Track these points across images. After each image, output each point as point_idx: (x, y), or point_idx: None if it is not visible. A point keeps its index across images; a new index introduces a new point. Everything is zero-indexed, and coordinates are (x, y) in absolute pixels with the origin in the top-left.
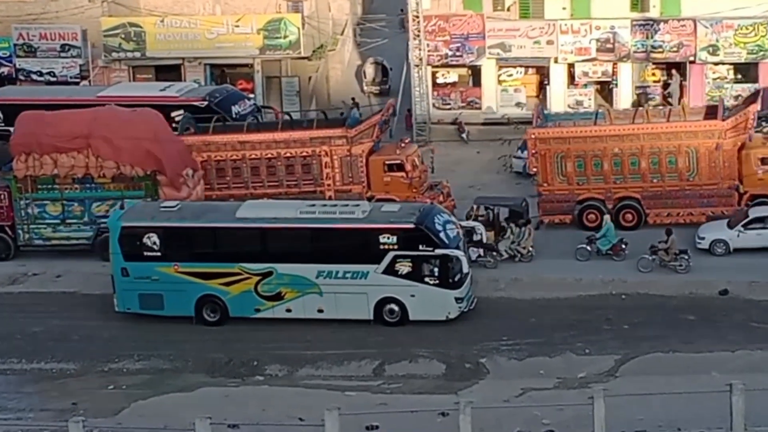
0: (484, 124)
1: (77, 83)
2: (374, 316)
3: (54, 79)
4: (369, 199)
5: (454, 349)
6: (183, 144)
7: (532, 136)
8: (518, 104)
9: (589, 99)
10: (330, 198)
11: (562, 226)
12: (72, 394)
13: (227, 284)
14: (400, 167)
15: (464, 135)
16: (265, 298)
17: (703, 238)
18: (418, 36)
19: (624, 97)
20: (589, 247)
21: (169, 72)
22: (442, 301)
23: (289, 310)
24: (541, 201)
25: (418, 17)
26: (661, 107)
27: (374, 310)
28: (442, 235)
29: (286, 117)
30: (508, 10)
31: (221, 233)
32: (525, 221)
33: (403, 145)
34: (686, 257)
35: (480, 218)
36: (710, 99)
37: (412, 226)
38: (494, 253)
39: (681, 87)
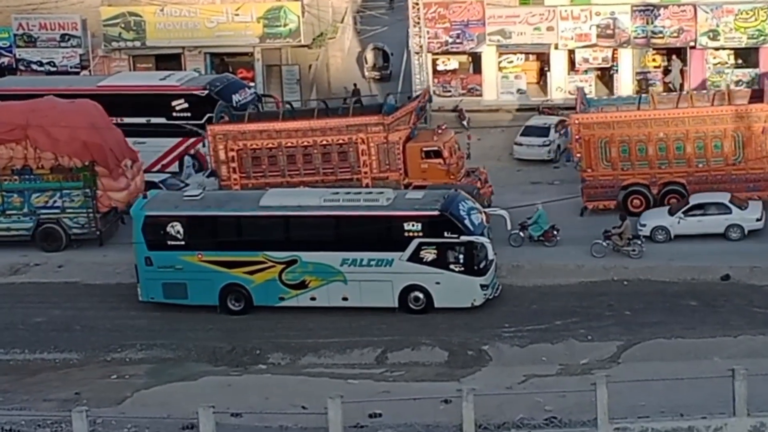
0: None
1: (77, 73)
2: (399, 303)
3: (54, 69)
4: (406, 186)
5: (456, 337)
6: (121, 134)
7: (576, 122)
8: (519, 91)
9: (590, 85)
10: (367, 186)
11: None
12: (75, 384)
13: (251, 273)
14: (438, 154)
15: (465, 122)
16: (290, 287)
17: (644, 225)
18: (418, 23)
19: (624, 83)
20: (522, 233)
21: (169, 61)
22: (467, 288)
23: (313, 299)
24: (585, 187)
25: (418, 4)
26: (704, 91)
27: (399, 297)
28: (467, 221)
29: (321, 104)
30: None
31: (245, 222)
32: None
33: (440, 131)
34: (639, 242)
35: None
36: (711, 84)
37: (437, 213)
38: None
39: (682, 72)
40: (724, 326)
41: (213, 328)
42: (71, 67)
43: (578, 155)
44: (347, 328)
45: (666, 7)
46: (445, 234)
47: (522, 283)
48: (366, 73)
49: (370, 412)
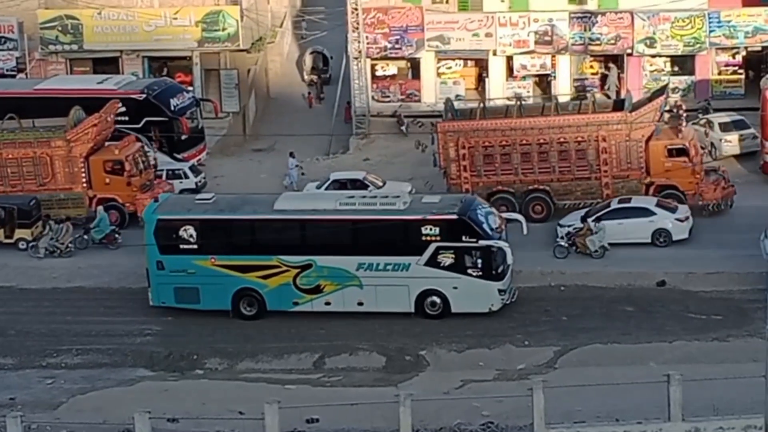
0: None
1: (13, 76)
2: (415, 308)
3: None
4: (648, 186)
5: (394, 342)
6: None
7: None
8: (457, 97)
9: (528, 91)
10: (606, 185)
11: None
12: (10, 389)
13: (265, 277)
14: (683, 152)
15: (404, 128)
16: (304, 291)
17: None
18: (357, 28)
19: (562, 89)
20: None
21: (106, 65)
22: (485, 293)
23: (328, 303)
24: None
25: (357, 9)
26: None
27: (415, 302)
28: (485, 226)
29: (554, 100)
30: (447, 2)
31: (259, 225)
32: (64, 218)
33: (681, 128)
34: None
35: None
36: (647, 91)
37: (455, 217)
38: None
39: (619, 79)
40: (659, 332)
41: (150, 333)
42: (7, 70)
43: None
44: (285, 333)
45: (603, 14)
46: (463, 238)
47: None
48: (305, 77)
49: (308, 417)
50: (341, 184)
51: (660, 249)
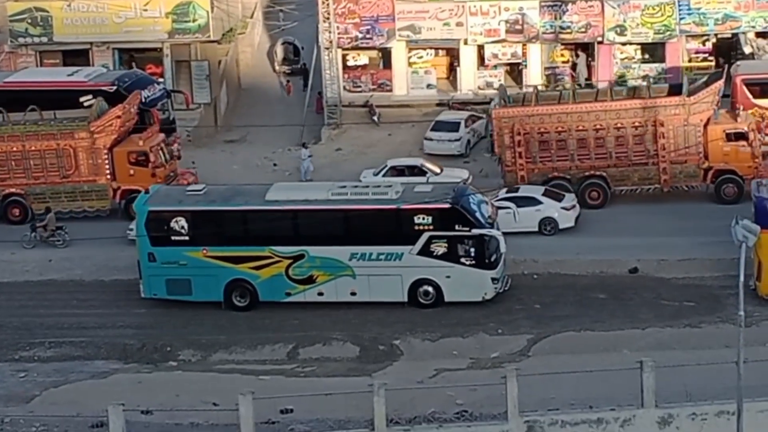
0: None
1: None
2: (408, 298)
3: None
4: (706, 171)
5: (367, 332)
6: None
7: None
8: (429, 86)
9: (499, 80)
10: (664, 170)
11: None
12: None
13: (257, 268)
14: (742, 136)
15: (375, 117)
16: (297, 282)
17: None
18: (328, 18)
19: (533, 78)
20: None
21: (77, 57)
22: (478, 282)
23: (321, 294)
24: None
25: None
26: None
27: (408, 292)
28: (477, 214)
29: (602, 85)
30: None
31: (251, 216)
32: None
33: (740, 112)
34: (63, 233)
35: None
36: (618, 79)
37: (447, 206)
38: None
39: (589, 67)
40: (632, 319)
41: (123, 325)
42: None
43: None
44: (258, 324)
45: (574, 2)
46: (456, 227)
47: None
48: (276, 68)
49: (282, 407)
50: (398, 171)
51: (632, 237)
